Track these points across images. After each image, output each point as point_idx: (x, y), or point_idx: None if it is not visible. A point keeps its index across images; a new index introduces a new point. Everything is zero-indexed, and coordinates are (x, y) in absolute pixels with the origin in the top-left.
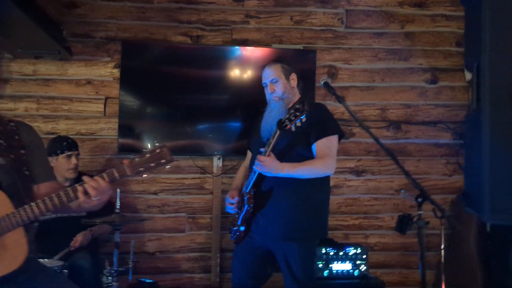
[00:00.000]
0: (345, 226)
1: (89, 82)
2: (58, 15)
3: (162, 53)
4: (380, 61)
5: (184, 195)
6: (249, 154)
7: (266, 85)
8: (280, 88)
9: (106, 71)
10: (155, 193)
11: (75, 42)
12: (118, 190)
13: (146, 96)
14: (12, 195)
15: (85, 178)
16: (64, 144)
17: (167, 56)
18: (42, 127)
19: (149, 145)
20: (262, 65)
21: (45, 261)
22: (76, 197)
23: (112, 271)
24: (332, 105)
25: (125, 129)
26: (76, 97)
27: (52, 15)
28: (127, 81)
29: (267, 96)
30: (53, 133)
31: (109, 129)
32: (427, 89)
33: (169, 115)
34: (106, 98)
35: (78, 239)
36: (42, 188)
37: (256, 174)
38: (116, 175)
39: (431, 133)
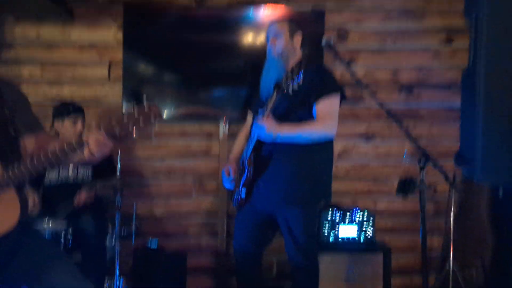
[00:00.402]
0: (353, 192)
1: (92, 46)
2: None
3: (166, 16)
4: (392, 22)
5: (191, 160)
6: (250, 117)
7: (268, 40)
8: (281, 44)
9: (110, 34)
10: (161, 159)
11: (77, 4)
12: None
13: (150, 60)
14: None
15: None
16: (70, 108)
17: (171, 19)
18: (47, 93)
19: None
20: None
21: (49, 222)
22: (81, 154)
23: (115, 233)
24: (341, 69)
25: (129, 95)
26: (80, 62)
27: None
28: (130, 45)
29: (267, 52)
30: (57, 99)
31: (113, 94)
32: (441, 51)
33: (174, 80)
34: (110, 63)
35: (82, 195)
36: (26, 142)
37: (255, 139)
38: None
39: (445, 97)
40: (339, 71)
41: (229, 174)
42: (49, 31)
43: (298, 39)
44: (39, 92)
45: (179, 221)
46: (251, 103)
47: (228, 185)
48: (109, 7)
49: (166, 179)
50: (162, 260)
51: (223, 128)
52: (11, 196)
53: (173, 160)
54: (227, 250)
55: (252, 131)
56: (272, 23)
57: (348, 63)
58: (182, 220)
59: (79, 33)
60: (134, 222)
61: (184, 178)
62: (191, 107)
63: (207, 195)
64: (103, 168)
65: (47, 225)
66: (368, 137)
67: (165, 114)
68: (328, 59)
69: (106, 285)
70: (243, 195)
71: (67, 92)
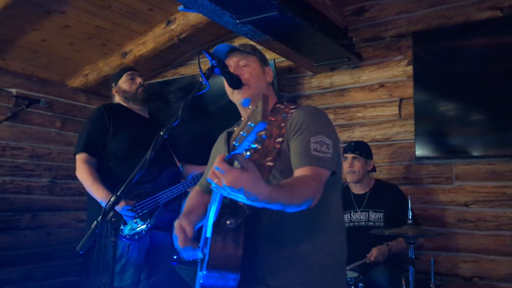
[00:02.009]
0: None
1: (381, 85)
2: (344, 22)
3: (460, 36)
4: None
5: (506, 208)
6: None
7: None
8: None
9: (399, 70)
10: (465, 205)
11: (364, 47)
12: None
13: (444, 92)
14: None
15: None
16: (352, 146)
17: (467, 39)
18: (339, 137)
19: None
20: None
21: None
22: None
23: None
24: None
25: (422, 132)
26: (370, 102)
27: (339, 24)
28: (421, 77)
29: None
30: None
31: (405, 132)
32: None
33: (476, 116)
34: (401, 100)
35: (374, 253)
36: None
37: None
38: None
39: None
40: None
41: None
42: (341, 78)
43: None
44: None
45: (494, 285)
46: None
47: None
48: (397, 42)
49: (473, 228)
50: None
51: None
52: None
53: (482, 207)
54: None
55: None
56: None
57: None
58: (499, 284)
59: (368, 74)
60: (432, 281)
61: (498, 229)
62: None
63: None
64: (396, 212)
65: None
66: None
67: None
68: None
69: None
70: None
71: (358, 133)
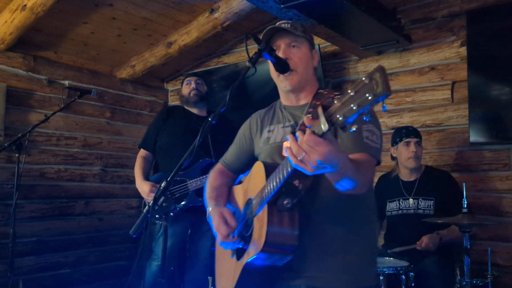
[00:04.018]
0: None
1: (432, 68)
2: (392, 3)
3: None
4: None
5: None
6: None
7: None
8: None
9: (451, 52)
10: None
11: (414, 28)
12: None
13: (500, 74)
14: None
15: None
16: (403, 132)
17: None
18: (387, 122)
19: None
20: None
21: (390, 260)
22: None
23: (463, 283)
24: None
25: (477, 117)
26: (420, 86)
27: (386, 5)
28: (476, 59)
29: None
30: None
31: (458, 117)
32: None
33: None
34: (453, 83)
35: (424, 241)
36: None
37: None
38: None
39: None
40: None
41: None
42: (388, 62)
43: None
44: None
45: None
46: None
47: None
48: (449, 22)
49: None
50: None
51: None
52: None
53: None
54: None
55: None
56: None
57: None
58: None
59: (418, 57)
60: (489, 271)
61: None
62: None
63: None
64: (447, 200)
65: (388, 257)
66: None
67: None
68: None
69: None
70: None
71: (407, 119)
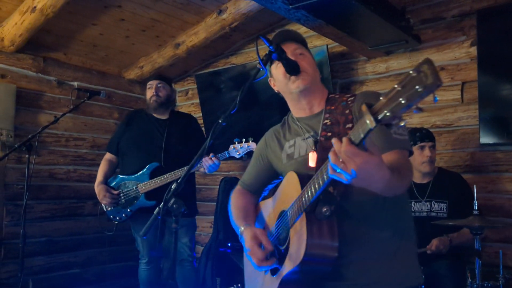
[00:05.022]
0: None
1: (442, 68)
2: (401, 3)
3: None
4: None
5: None
6: None
7: None
8: None
9: (461, 52)
10: None
11: (423, 28)
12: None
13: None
14: None
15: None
16: (417, 135)
17: None
18: None
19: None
20: None
21: None
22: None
23: (475, 285)
24: None
25: (487, 117)
26: None
27: (395, 5)
28: (486, 59)
29: None
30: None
31: (468, 117)
32: None
33: None
34: (463, 83)
35: (434, 243)
36: None
37: None
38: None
39: None
40: None
41: None
42: (397, 62)
43: None
44: None
45: None
46: None
47: None
48: (459, 22)
49: None
50: None
51: None
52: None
53: None
54: None
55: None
56: None
57: None
58: None
59: (427, 57)
60: (501, 274)
61: None
62: None
63: None
64: (459, 202)
65: None
66: None
67: None
68: None
69: None
70: None
71: (417, 120)
